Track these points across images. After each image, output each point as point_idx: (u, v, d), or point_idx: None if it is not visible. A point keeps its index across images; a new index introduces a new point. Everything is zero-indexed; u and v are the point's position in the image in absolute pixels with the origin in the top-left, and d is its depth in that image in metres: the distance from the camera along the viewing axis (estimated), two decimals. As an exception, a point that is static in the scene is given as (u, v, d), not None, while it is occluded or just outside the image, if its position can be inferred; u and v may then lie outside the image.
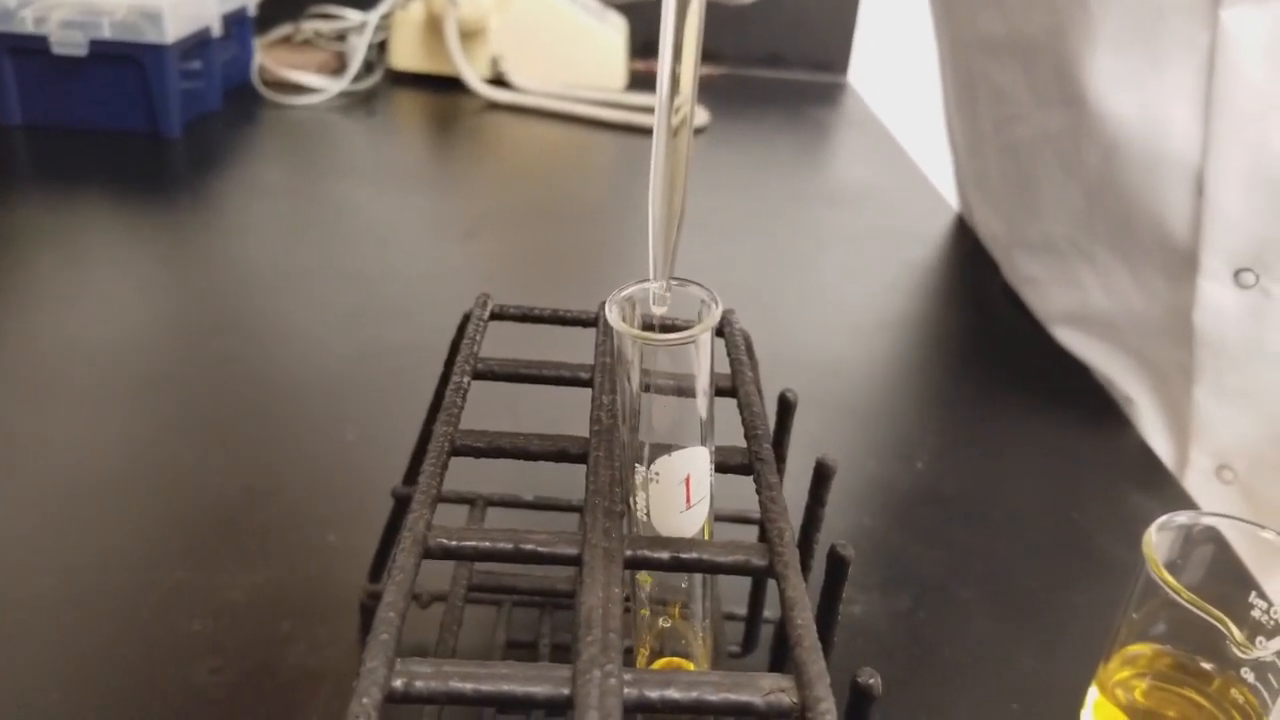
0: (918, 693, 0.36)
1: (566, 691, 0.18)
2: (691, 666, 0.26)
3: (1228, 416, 0.52)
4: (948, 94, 0.63)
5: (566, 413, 0.30)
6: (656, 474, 0.21)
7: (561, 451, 0.24)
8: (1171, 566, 0.35)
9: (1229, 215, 0.46)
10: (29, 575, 0.37)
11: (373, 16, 1.01)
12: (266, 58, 0.98)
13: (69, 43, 0.79)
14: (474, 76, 0.99)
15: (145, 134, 0.83)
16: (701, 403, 0.21)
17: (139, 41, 0.79)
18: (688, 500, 0.22)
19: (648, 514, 0.22)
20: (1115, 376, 0.55)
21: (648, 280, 0.20)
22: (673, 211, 0.20)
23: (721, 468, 0.25)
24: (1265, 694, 0.33)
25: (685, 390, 0.21)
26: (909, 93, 0.99)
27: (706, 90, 1.07)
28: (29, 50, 0.80)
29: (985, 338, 0.62)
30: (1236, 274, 0.48)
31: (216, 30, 0.87)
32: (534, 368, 0.28)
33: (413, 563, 0.20)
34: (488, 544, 0.21)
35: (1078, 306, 0.56)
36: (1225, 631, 0.30)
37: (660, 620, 0.26)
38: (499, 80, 1.01)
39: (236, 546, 0.39)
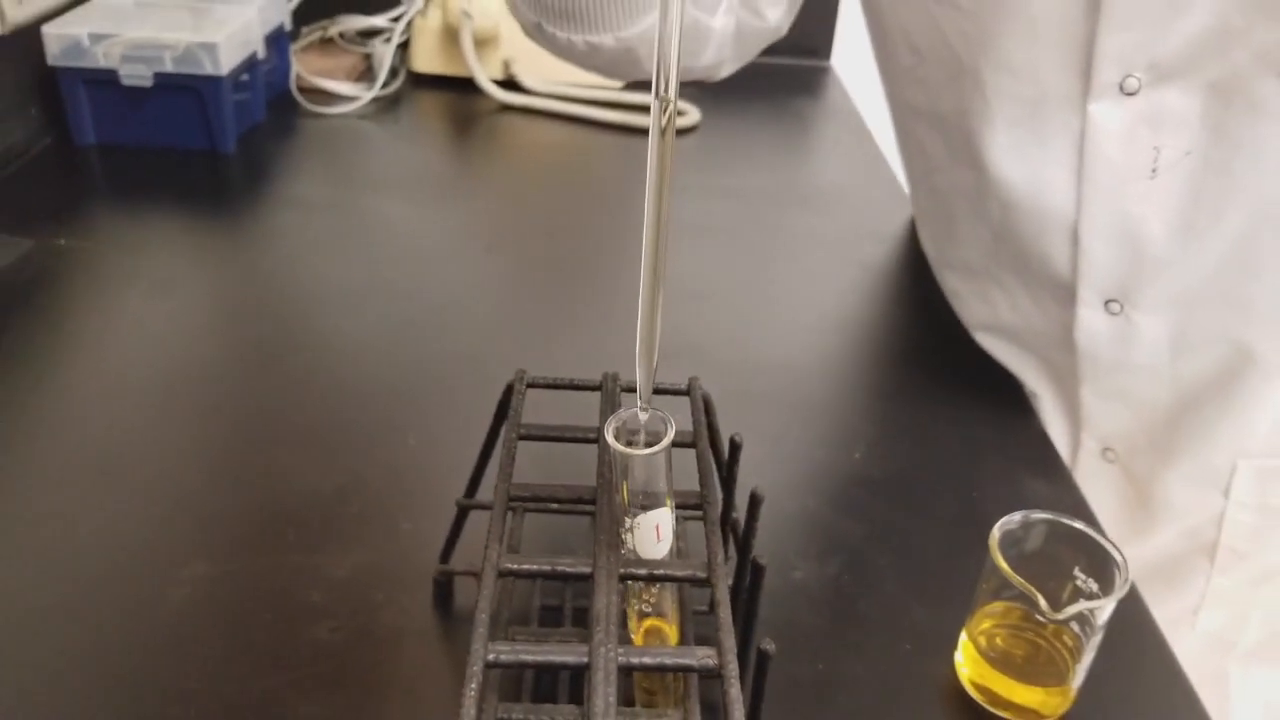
0: (838, 637, 0.49)
1: (585, 659, 0.31)
2: (665, 624, 0.40)
3: (1107, 411, 0.64)
4: (894, 135, 0.74)
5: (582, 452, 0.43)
6: (638, 524, 0.34)
7: (579, 499, 0.38)
8: (1019, 547, 0.48)
9: (1097, 260, 0.59)
10: (189, 561, 0.51)
11: (398, 26, 1.12)
12: (300, 65, 1.10)
13: (136, 75, 0.91)
14: (489, 83, 1.10)
15: (204, 151, 0.95)
16: (665, 479, 0.34)
17: (198, 73, 0.91)
18: (658, 538, 0.35)
19: (634, 546, 0.35)
20: (1023, 375, 0.68)
21: (634, 407, 0.33)
22: (650, 350, 0.33)
23: (681, 505, 0.38)
24: (1084, 637, 0.46)
25: (654, 474, 0.34)
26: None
27: (701, 84, 1.18)
28: (101, 81, 0.91)
29: (923, 338, 0.75)
30: (1106, 304, 0.60)
31: (262, 53, 0.99)
32: (559, 430, 0.41)
33: (493, 582, 0.33)
34: (533, 566, 0.35)
35: (990, 318, 0.68)
36: (1035, 602, 0.43)
37: (646, 598, 0.39)
38: (511, 81, 1.12)
39: (336, 534, 0.53)
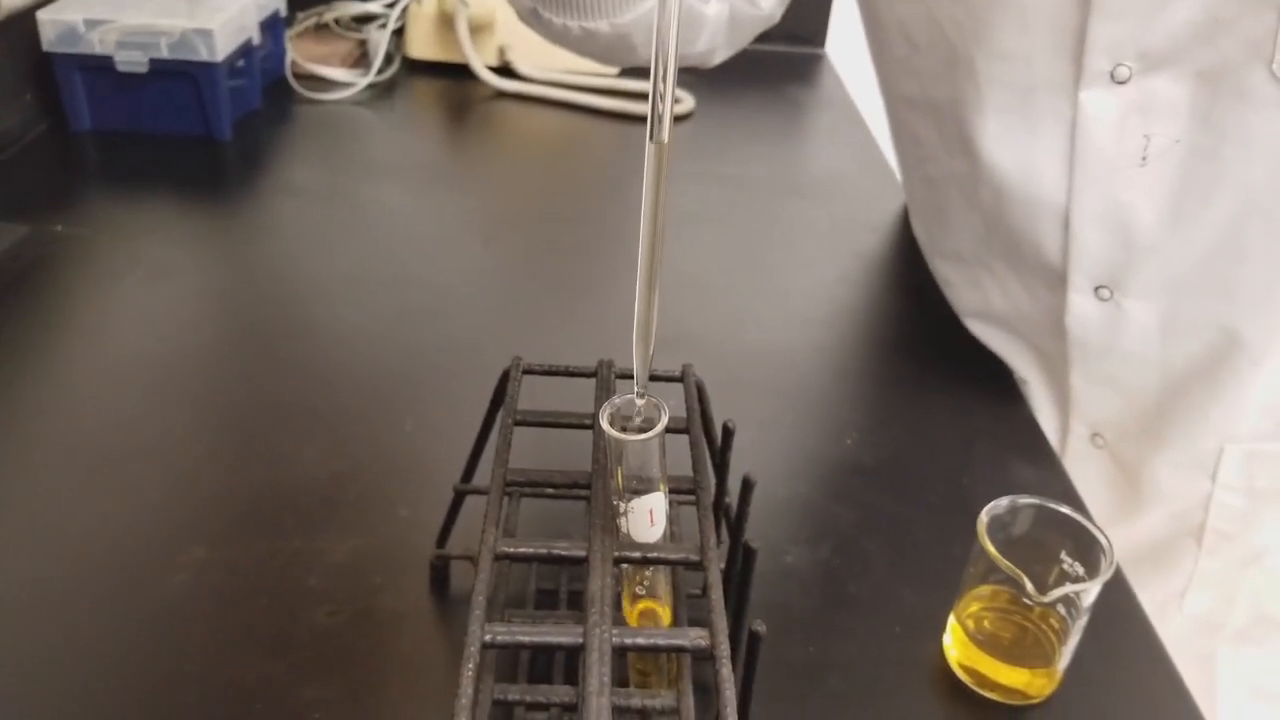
0: (828, 620, 0.50)
1: (580, 640, 0.32)
2: (659, 606, 0.40)
3: (1097, 396, 0.65)
4: (888, 125, 0.75)
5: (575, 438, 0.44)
6: (632, 508, 0.35)
7: (574, 484, 0.38)
8: (1007, 531, 0.49)
9: (1088, 246, 0.59)
10: (187, 546, 0.51)
11: (394, 12, 1.12)
12: (296, 51, 1.10)
13: (131, 61, 0.91)
14: (484, 69, 1.10)
15: (199, 138, 0.95)
16: (658, 464, 0.35)
17: (193, 59, 0.91)
18: (651, 522, 0.35)
19: (628, 530, 0.36)
20: (1013, 362, 0.69)
21: (629, 394, 0.34)
22: (647, 336, 0.33)
23: (675, 490, 0.39)
24: (1069, 619, 0.47)
25: (647, 459, 0.34)
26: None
27: (694, 71, 1.18)
28: (96, 67, 0.91)
29: (915, 326, 0.75)
30: (1096, 290, 0.61)
31: (257, 39, 0.99)
32: (554, 416, 0.42)
33: (489, 565, 0.34)
34: (529, 549, 0.35)
35: (982, 305, 0.69)
36: (1021, 585, 0.44)
37: (640, 581, 0.40)
38: (507, 68, 1.12)
39: (334, 520, 0.53)
